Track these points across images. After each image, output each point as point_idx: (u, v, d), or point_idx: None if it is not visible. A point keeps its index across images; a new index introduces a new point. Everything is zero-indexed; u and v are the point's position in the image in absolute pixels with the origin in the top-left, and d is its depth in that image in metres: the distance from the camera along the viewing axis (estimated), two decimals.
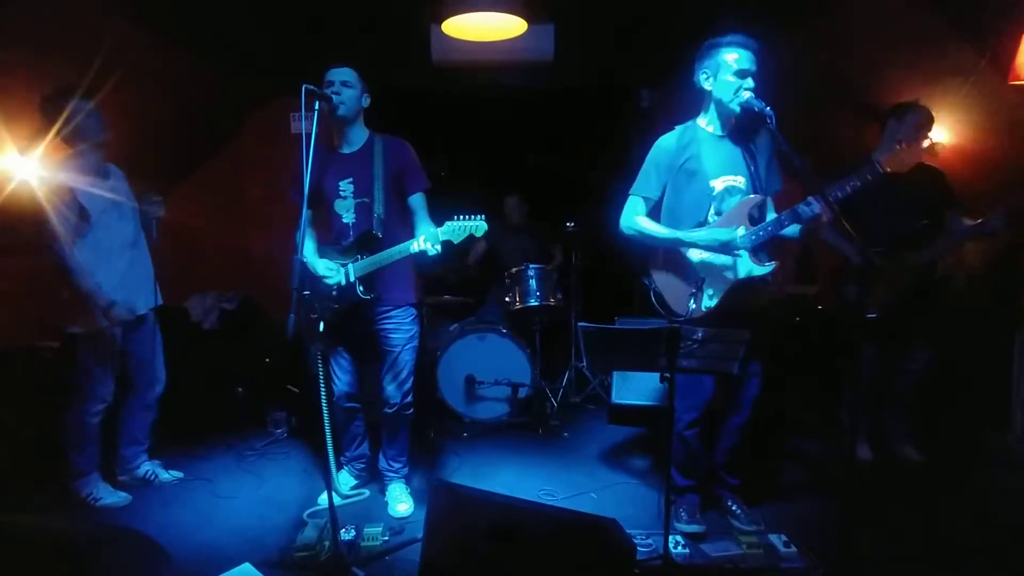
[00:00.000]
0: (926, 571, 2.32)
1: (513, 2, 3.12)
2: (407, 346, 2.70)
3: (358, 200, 2.60)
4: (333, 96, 2.47)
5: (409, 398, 2.76)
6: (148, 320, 2.95)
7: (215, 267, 4.60)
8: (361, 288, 2.55)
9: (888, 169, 2.17)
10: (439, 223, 2.43)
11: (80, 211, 2.62)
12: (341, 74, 2.54)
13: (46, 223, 2.54)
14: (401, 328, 2.68)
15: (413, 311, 2.73)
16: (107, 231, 2.72)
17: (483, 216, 2.37)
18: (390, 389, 2.70)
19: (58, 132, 2.63)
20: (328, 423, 2.65)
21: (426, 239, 2.36)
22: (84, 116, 2.61)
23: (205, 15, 3.22)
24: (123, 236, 2.79)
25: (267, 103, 4.86)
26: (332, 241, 2.66)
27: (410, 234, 2.59)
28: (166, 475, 3.09)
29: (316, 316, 2.58)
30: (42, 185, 2.59)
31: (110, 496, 2.83)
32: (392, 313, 2.67)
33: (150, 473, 3.05)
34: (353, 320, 2.64)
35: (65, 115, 2.58)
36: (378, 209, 2.56)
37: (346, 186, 2.60)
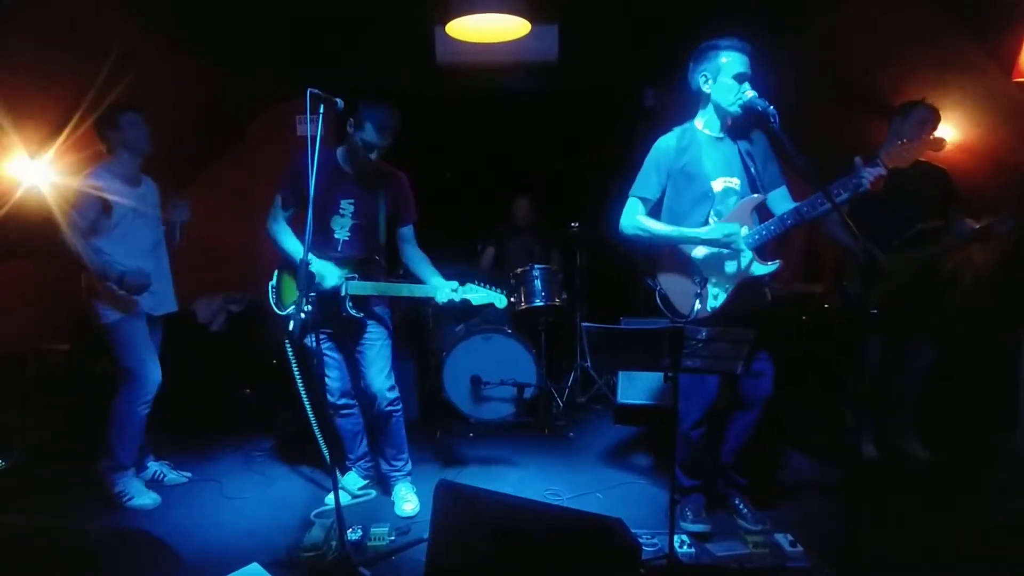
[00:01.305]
0: (931, 570, 2.31)
1: (516, 3, 3.12)
2: (385, 342, 2.74)
3: (356, 221, 2.66)
4: (382, 144, 2.54)
5: (395, 392, 2.77)
6: (159, 325, 2.99)
7: (222, 269, 4.62)
8: (350, 304, 2.60)
9: (890, 167, 2.17)
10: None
11: (104, 206, 2.68)
12: (397, 121, 2.56)
13: (61, 214, 2.59)
14: (379, 325, 2.73)
15: (388, 310, 2.80)
16: (130, 235, 2.79)
17: (505, 291, 2.66)
18: (376, 384, 2.71)
19: (105, 139, 2.77)
20: (313, 418, 2.68)
21: (452, 290, 2.59)
22: (130, 126, 2.76)
23: (210, 18, 3.25)
24: (145, 242, 2.86)
25: (273, 106, 4.88)
26: (315, 247, 2.64)
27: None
28: (174, 475, 3.11)
29: (286, 313, 2.65)
30: (68, 182, 2.67)
31: (141, 496, 2.83)
32: (371, 312, 2.72)
33: (158, 473, 3.08)
34: (332, 318, 2.66)
35: (112, 123, 2.74)
36: (382, 236, 2.68)
37: (347, 205, 2.66)
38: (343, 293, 2.58)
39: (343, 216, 2.66)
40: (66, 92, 2.92)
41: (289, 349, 2.68)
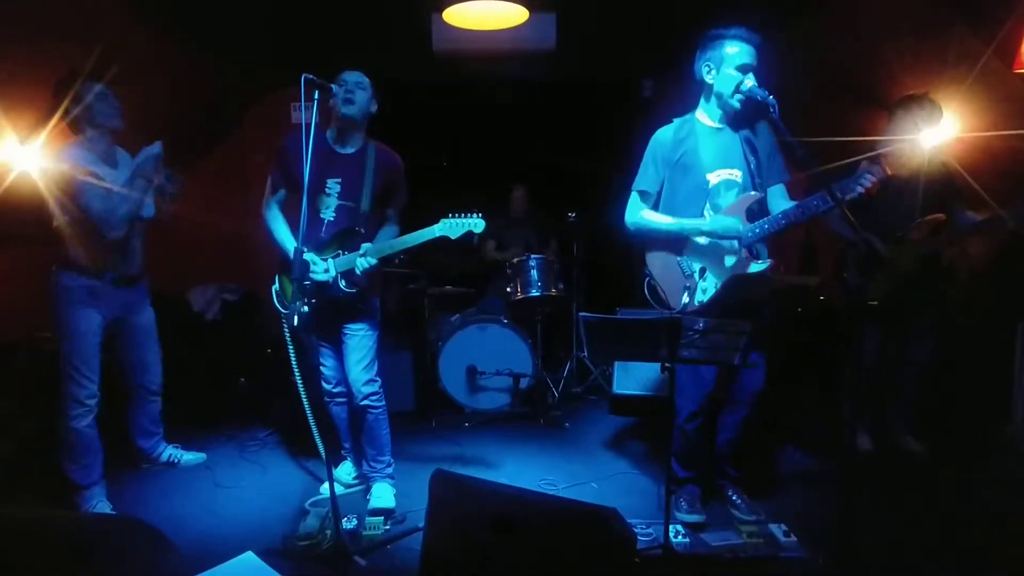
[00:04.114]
0: (925, 562, 2.32)
1: None
2: (368, 332, 2.68)
3: (342, 201, 2.60)
4: (346, 97, 2.47)
5: (373, 387, 2.68)
6: (142, 322, 2.91)
7: (217, 258, 4.60)
8: (344, 283, 2.55)
9: (891, 172, 2.17)
10: (438, 214, 2.45)
11: (75, 198, 2.57)
12: (356, 76, 2.53)
13: (61, 199, 2.51)
14: (367, 312, 2.69)
15: (377, 299, 2.76)
16: None
17: (480, 213, 2.48)
18: (352, 374, 2.65)
19: (67, 116, 2.55)
20: (309, 411, 2.66)
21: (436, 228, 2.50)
22: (94, 98, 2.56)
23: (205, 5, 3.20)
24: None
25: (268, 93, 4.84)
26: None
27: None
28: (189, 456, 3.12)
29: (295, 304, 2.61)
30: (42, 173, 2.56)
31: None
32: (361, 300, 2.67)
33: (173, 457, 3.09)
34: (326, 308, 2.64)
35: (74, 97, 2.52)
36: (365, 207, 2.60)
37: (333, 185, 2.59)
38: (332, 273, 2.55)
39: (329, 196, 2.60)
40: (57, 77, 2.88)
41: (289, 341, 2.66)
